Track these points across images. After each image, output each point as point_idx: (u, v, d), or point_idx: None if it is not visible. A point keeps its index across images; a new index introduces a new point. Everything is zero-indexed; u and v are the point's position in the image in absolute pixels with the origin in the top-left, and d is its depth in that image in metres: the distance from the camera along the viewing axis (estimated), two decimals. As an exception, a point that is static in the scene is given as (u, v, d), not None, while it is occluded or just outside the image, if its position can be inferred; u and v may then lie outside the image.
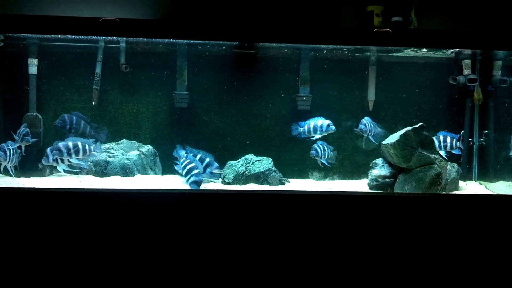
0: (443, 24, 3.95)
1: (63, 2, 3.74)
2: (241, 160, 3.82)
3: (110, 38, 3.52)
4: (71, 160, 3.44)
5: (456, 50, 3.78)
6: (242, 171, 3.75)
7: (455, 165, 3.73)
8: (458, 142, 3.83)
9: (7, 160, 3.39)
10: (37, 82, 3.76)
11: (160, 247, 2.98)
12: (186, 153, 3.68)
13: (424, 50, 3.79)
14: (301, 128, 3.81)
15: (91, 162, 3.64)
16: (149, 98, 3.97)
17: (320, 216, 3.05)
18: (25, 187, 3.34)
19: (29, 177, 3.59)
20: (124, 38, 3.58)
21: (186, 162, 3.54)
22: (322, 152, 3.79)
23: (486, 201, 3.24)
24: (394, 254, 3.09)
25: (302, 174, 4.04)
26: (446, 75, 3.99)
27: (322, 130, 3.77)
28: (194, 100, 3.96)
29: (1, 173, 3.51)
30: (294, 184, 3.84)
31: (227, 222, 3.01)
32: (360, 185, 3.84)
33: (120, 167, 3.72)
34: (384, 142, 3.64)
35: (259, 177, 3.76)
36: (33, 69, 3.73)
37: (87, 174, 3.67)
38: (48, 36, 3.45)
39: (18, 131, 3.51)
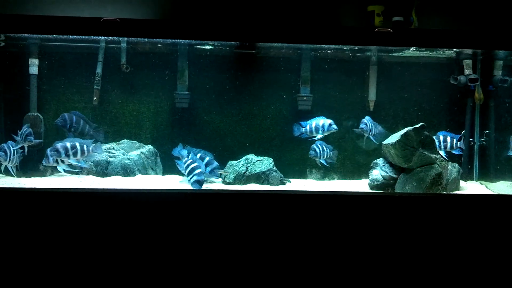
0: (444, 24, 3.95)
1: (64, 2, 3.74)
2: (242, 160, 3.82)
3: (111, 38, 3.51)
4: (70, 161, 3.44)
5: (457, 50, 3.78)
6: (243, 171, 3.75)
7: (456, 165, 3.73)
8: (458, 142, 3.83)
9: (7, 160, 3.39)
10: (38, 82, 3.77)
11: (161, 247, 2.98)
12: (188, 152, 3.68)
13: (424, 50, 3.80)
14: (303, 128, 3.81)
15: (92, 162, 3.65)
16: (150, 98, 3.97)
17: (321, 216, 3.05)
18: (26, 187, 3.33)
19: (30, 177, 3.59)
20: (125, 38, 3.58)
21: (188, 162, 3.54)
22: (321, 152, 3.78)
23: (486, 201, 3.24)
24: (395, 254, 3.09)
25: (303, 174, 4.04)
26: (447, 75, 3.98)
27: (324, 130, 3.77)
28: (195, 100, 3.95)
29: (2, 173, 3.51)
30: (295, 184, 3.84)
31: (228, 222, 3.01)
32: (361, 185, 3.84)
33: (121, 167, 3.73)
34: (385, 142, 3.63)
35: (260, 177, 3.76)
36: (34, 69, 3.73)
37: (88, 174, 3.67)
38: (49, 36, 3.44)
39: (20, 132, 3.50)
